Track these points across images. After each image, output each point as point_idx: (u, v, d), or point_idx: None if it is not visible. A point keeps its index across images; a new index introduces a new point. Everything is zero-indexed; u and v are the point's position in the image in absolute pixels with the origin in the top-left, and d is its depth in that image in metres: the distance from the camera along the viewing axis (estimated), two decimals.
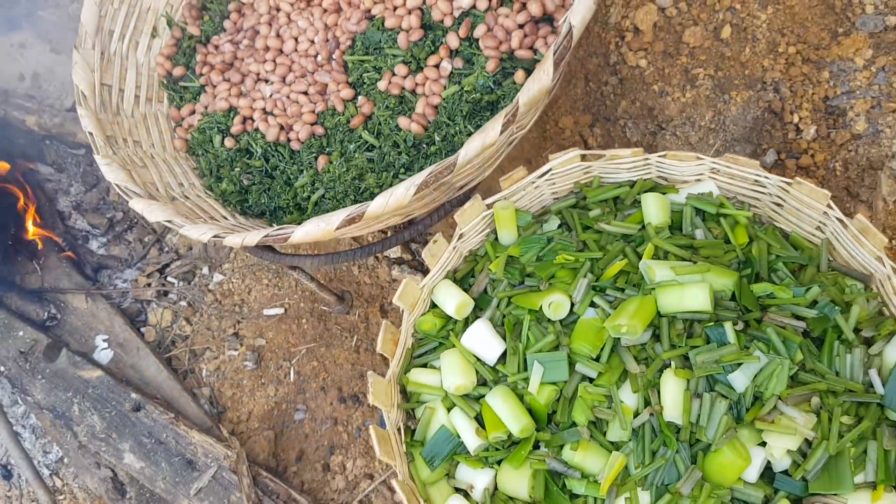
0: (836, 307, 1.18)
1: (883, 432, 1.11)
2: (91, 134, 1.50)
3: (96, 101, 1.57)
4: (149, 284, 2.38)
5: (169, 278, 2.40)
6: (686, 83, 1.69)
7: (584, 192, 1.40)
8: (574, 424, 1.19)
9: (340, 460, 2.02)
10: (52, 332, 2.31)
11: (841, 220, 1.24)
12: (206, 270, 2.37)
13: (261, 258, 1.58)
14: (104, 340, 2.30)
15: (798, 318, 1.19)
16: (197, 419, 2.11)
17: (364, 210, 1.21)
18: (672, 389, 1.13)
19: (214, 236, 1.32)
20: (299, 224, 1.25)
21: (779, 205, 1.33)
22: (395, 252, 2.09)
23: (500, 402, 1.22)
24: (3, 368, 2.28)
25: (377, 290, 2.14)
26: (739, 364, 1.13)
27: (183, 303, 2.36)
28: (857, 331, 1.19)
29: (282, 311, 2.23)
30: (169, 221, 1.37)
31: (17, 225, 2.42)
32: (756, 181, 1.31)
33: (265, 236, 1.28)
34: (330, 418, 2.08)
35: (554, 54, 1.17)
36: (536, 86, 1.17)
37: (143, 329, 2.33)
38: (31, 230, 2.41)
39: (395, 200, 1.19)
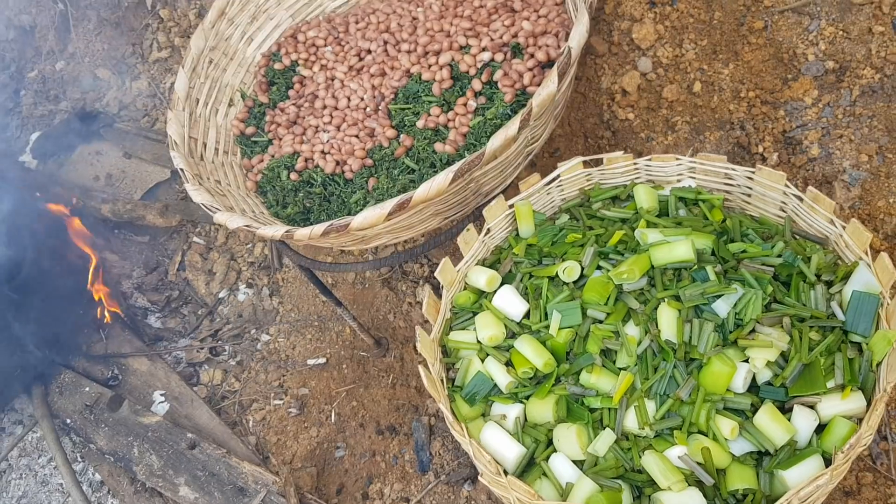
0: (799, 257, 1.45)
1: (847, 346, 1.35)
2: (182, 169, 1.84)
3: (185, 148, 1.92)
4: (202, 348, 2.63)
5: (220, 343, 2.66)
6: (668, 130, 2.03)
7: (588, 195, 1.71)
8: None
9: (378, 488, 2.19)
10: (114, 389, 2.55)
11: (797, 196, 1.53)
12: (254, 332, 2.64)
13: (314, 269, 1.86)
14: (161, 395, 2.52)
15: (767, 266, 1.45)
16: (246, 458, 2.29)
17: (412, 195, 1.51)
18: (667, 317, 1.38)
19: (286, 232, 1.62)
20: None
21: (747, 194, 1.63)
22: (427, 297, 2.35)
23: (526, 346, 1.46)
24: (69, 421, 2.50)
25: (411, 333, 2.38)
26: (720, 295, 1.38)
27: (232, 362, 2.60)
28: (817, 276, 1.45)
29: (324, 360, 2.46)
30: (247, 226, 1.66)
31: (87, 302, 2.72)
32: (726, 174, 1.61)
33: (329, 225, 1.57)
34: (368, 451, 2.26)
35: (558, 68, 1.51)
36: (545, 91, 1.50)
37: (195, 388, 2.56)
38: (104, 306, 2.71)
39: (436, 185, 1.50)
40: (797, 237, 1.55)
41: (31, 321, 2.55)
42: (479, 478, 1.41)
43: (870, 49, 1.85)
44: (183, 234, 2.92)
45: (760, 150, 1.93)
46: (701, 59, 2.02)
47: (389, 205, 1.51)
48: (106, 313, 2.70)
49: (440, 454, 2.14)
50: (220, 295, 2.77)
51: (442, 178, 1.49)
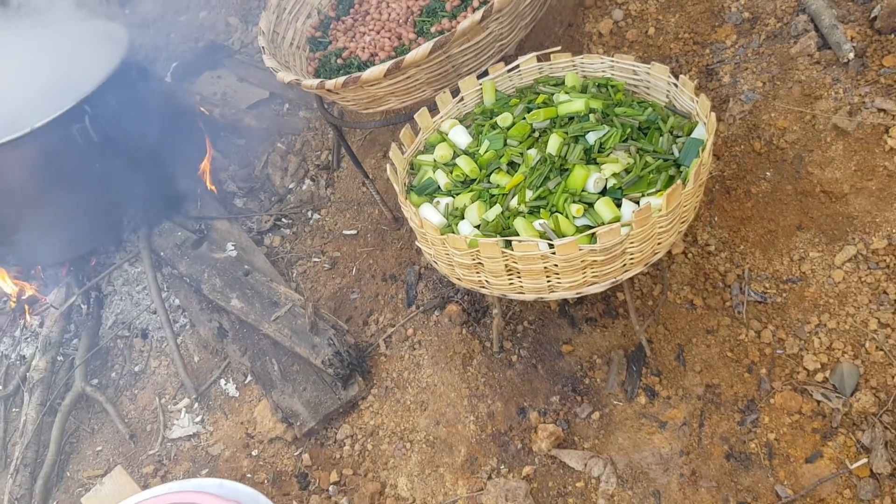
0: (660, 117, 2.04)
1: (670, 168, 1.93)
2: (263, 47, 2.60)
3: (269, 36, 2.69)
4: (269, 219, 3.40)
5: (283, 219, 3.41)
6: None
7: (538, 81, 2.35)
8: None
9: (375, 317, 2.85)
10: (199, 237, 3.33)
11: (674, 83, 2.12)
12: (309, 212, 3.38)
13: (340, 125, 2.57)
14: (232, 245, 3.29)
15: (634, 119, 2.04)
16: (283, 285, 3.01)
17: (403, 58, 2.20)
18: (553, 141, 2.00)
19: (319, 82, 2.34)
20: None
21: (648, 86, 2.22)
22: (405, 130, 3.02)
23: (462, 161, 2.11)
24: (162, 254, 3.30)
25: None
26: (592, 131, 2.00)
27: (289, 231, 3.35)
28: (670, 132, 2.03)
29: (355, 231, 3.17)
30: (296, 79, 2.40)
31: (192, 177, 3.53)
32: (633, 70, 2.22)
33: (347, 77, 2.28)
34: (374, 294, 2.93)
35: None
36: None
37: (259, 247, 3.31)
38: (207, 182, 3.53)
39: (420, 52, 2.18)
40: (674, 112, 2.14)
41: (149, 183, 3.37)
42: (416, 242, 2.07)
43: (776, 4, 2.41)
44: (270, 141, 3.72)
45: (687, 77, 2.51)
46: (658, 11, 2.64)
47: (387, 64, 2.21)
48: (208, 185, 3.51)
49: (422, 293, 2.79)
50: (290, 186, 3.54)
51: (424, 48, 2.18)
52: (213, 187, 3.54)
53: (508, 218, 1.96)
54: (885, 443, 1.98)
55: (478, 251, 1.85)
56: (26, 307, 3.46)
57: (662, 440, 2.25)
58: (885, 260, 2.11)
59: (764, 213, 2.32)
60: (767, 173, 2.32)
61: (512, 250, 1.81)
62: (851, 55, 2.20)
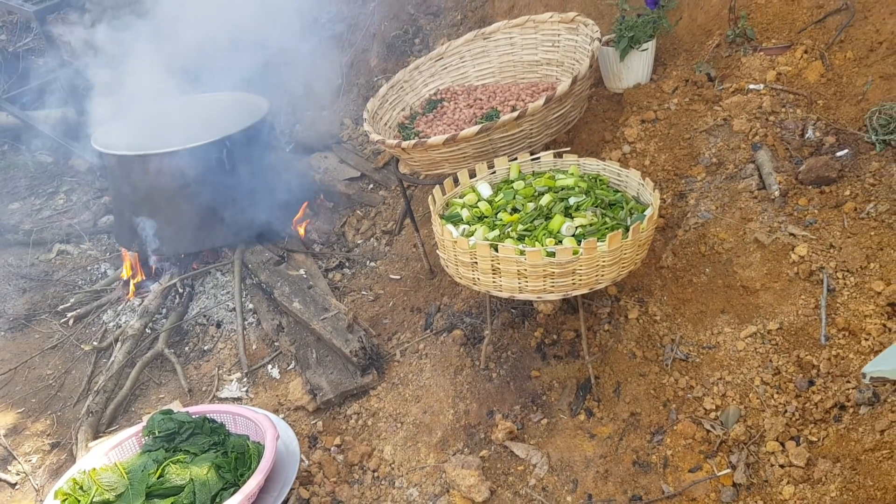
0: (625, 199, 2.90)
1: (621, 229, 2.75)
2: (365, 119, 3.62)
3: (371, 114, 3.71)
4: (335, 261, 4.30)
5: (347, 262, 4.31)
6: None
7: (551, 170, 3.24)
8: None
9: (398, 336, 3.64)
10: (281, 261, 4.24)
11: (641, 183, 2.98)
12: (368, 261, 4.26)
13: (405, 181, 3.50)
14: (304, 271, 4.18)
15: (607, 198, 2.90)
16: (335, 299, 3.84)
17: (457, 133, 3.15)
18: (546, 198, 2.87)
19: (397, 143, 3.30)
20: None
21: (626, 185, 3.08)
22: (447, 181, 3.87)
23: (482, 204, 2.99)
24: (249, 265, 4.21)
25: None
26: (573, 196, 2.86)
27: (348, 272, 4.23)
28: (630, 211, 2.87)
29: (399, 277, 4.02)
30: (380, 140, 3.37)
31: (286, 219, 4.50)
32: (618, 172, 3.10)
33: (417, 140, 3.23)
34: (401, 321, 3.73)
35: (546, 97, 3.14)
36: (535, 104, 3.12)
37: (324, 278, 4.19)
38: (301, 228, 4.49)
39: (470, 132, 3.13)
40: (637, 202, 2.98)
41: (255, 213, 4.35)
42: (437, 251, 2.91)
43: (736, 155, 3.29)
44: (352, 208, 4.69)
45: (665, 196, 3.37)
46: (655, 151, 3.55)
47: (447, 135, 3.16)
48: (297, 229, 4.47)
49: (437, 321, 3.58)
50: (358, 242, 4.46)
51: (474, 128, 3.13)
52: (301, 231, 4.50)
53: (502, 239, 2.79)
54: (747, 464, 2.61)
55: (475, 251, 2.69)
56: (132, 287, 4.40)
57: (589, 447, 2.91)
58: (775, 339, 2.82)
59: (700, 298, 3.08)
60: (707, 269, 3.10)
61: (498, 253, 2.64)
62: (777, 193, 3.03)
